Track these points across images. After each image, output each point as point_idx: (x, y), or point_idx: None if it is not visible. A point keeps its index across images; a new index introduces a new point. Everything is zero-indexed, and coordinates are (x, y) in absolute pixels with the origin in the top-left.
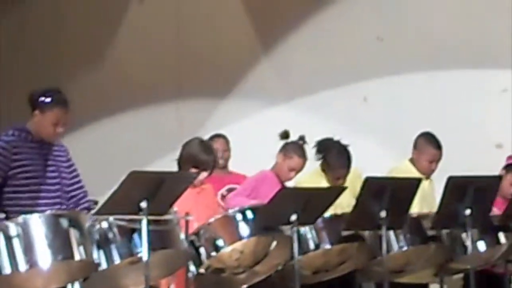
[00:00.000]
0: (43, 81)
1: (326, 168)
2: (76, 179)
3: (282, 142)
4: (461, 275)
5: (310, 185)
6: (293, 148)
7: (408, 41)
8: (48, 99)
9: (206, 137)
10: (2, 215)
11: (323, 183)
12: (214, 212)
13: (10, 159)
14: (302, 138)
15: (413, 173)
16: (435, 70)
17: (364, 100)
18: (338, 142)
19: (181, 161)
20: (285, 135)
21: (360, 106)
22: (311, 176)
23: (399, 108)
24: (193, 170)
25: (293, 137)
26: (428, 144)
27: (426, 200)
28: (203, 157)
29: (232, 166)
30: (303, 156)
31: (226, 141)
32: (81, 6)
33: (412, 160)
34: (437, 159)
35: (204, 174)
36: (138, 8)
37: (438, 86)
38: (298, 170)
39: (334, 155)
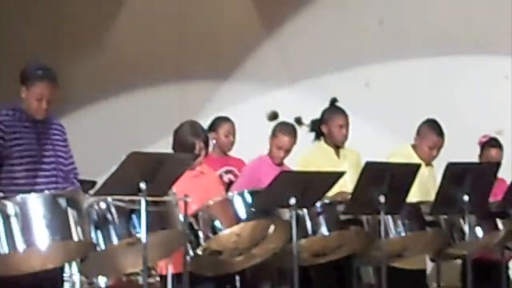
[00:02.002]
0: (44, 64)
1: (326, 135)
2: (71, 159)
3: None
4: (459, 261)
5: (320, 160)
6: (279, 127)
7: (410, 26)
8: (32, 74)
9: (208, 119)
10: (0, 194)
11: (331, 153)
12: (212, 196)
13: (4, 139)
14: (298, 119)
15: (414, 158)
16: (436, 56)
17: (365, 86)
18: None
19: (174, 146)
20: (273, 116)
21: (361, 91)
22: (315, 151)
23: (400, 94)
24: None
25: (291, 119)
26: (431, 131)
27: (424, 187)
28: (190, 140)
29: (233, 148)
30: (288, 134)
31: (232, 125)
32: None
33: (414, 146)
34: (438, 146)
35: (198, 158)
36: None
37: (440, 72)
38: (285, 148)
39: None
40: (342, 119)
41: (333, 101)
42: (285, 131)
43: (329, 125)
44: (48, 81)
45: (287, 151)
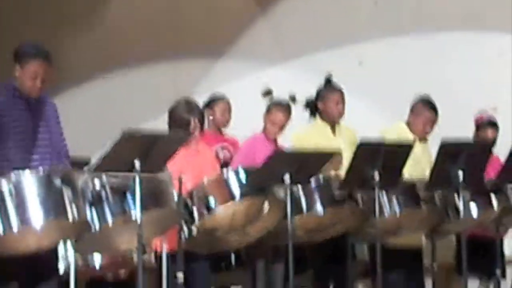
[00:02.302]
0: (38, 41)
1: (321, 112)
2: (63, 137)
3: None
4: (453, 238)
5: (316, 137)
6: (273, 103)
7: (404, 4)
8: (27, 52)
9: (202, 97)
10: None
11: (327, 130)
12: (208, 174)
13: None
14: (292, 97)
15: (408, 135)
16: (430, 33)
17: (359, 63)
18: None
19: (169, 124)
20: (267, 92)
21: (355, 69)
22: (311, 128)
23: (393, 71)
24: None
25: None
26: (424, 107)
27: (418, 164)
28: (185, 116)
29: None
30: (282, 110)
31: (228, 102)
32: None
33: (408, 123)
34: (432, 122)
35: (193, 135)
36: None
37: (434, 50)
38: (280, 124)
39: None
40: (338, 95)
41: (329, 78)
42: (280, 107)
43: (325, 102)
44: (42, 59)
45: (282, 127)
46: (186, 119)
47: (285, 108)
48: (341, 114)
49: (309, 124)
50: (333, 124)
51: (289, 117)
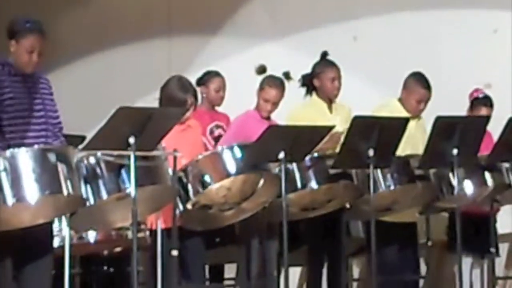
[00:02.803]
0: (32, 17)
1: (318, 89)
2: (58, 114)
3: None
4: (446, 214)
5: (313, 114)
6: (266, 80)
7: None
8: (22, 27)
9: (196, 74)
10: None
11: (324, 107)
12: (200, 149)
13: None
14: (286, 74)
15: (401, 112)
16: (425, 9)
17: (353, 39)
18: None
19: (161, 102)
20: (261, 69)
21: (349, 45)
22: (307, 106)
23: (388, 47)
24: None
25: (279, 74)
26: (417, 84)
27: (412, 141)
28: (180, 96)
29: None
30: (275, 87)
31: (223, 80)
32: None
33: (400, 100)
34: (425, 99)
35: (188, 112)
36: None
37: (428, 26)
38: (273, 101)
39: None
40: (334, 71)
41: (324, 55)
42: (273, 84)
43: (321, 78)
44: (38, 33)
45: (274, 104)
46: (182, 98)
47: (278, 84)
48: (337, 90)
49: (305, 101)
50: (329, 101)
51: (283, 94)
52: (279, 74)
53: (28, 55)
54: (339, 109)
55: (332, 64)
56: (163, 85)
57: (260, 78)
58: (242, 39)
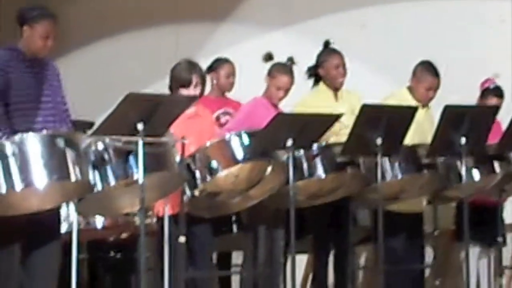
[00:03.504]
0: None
1: (324, 78)
2: (65, 100)
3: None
4: (453, 204)
5: (316, 101)
6: (276, 67)
7: None
8: (36, 13)
9: (204, 61)
10: None
11: (330, 96)
12: (209, 137)
13: (6, 78)
14: (290, 59)
15: (410, 101)
16: None
17: (361, 27)
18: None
19: (170, 85)
20: (268, 57)
21: (358, 33)
22: (314, 94)
23: (396, 36)
24: (182, 91)
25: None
26: (426, 72)
27: (420, 129)
28: (185, 75)
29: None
30: (286, 73)
31: (233, 66)
32: None
33: (410, 88)
34: (434, 87)
35: (194, 92)
36: None
37: (436, 15)
38: (285, 88)
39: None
40: (337, 58)
41: (327, 43)
42: (284, 70)
43: (326, 67)
44: (52, 18)
45: (287, 91)
46: (188, 78)
47: (288, 71)
48: (343, 77)
49: (312, 90)
50: (336, 89)
51: (293, 81)
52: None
53: (43, 40)
54: (346, 97)
55: (335, 52)
56: (172, 67)
57: (267, 65)
58: (249, 26)
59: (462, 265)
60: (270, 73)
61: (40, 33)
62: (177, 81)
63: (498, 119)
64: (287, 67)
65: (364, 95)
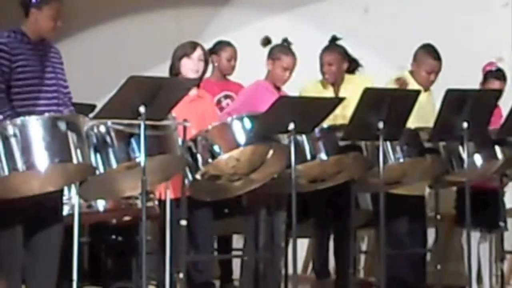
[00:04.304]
0: None
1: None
2: (67, 83)
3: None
4: (454, 188)
5: (313, 91)
6: (278, 49)
7: None
8: None
9: (206, 44)
10: (0, 116)
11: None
12: (211, 120)
13: (10, 60)
14: (285, 40)
15: (412, 84)
16: None
17: (364, 11)
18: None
19: (172, 63)
20: (266, 41)
21: (360, 17)
22: (313, 84)
23: (399, 19)
24: (184, 62)
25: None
26: (427, 55)
27: (422, 113)
28: (189, 46)
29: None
30: (290, 53)
31: (234, 49)
32: None
33: (411, 72)
34: (436, 70)
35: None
36: None
37: None
38: (291, 68)
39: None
40: (333, 56)
41: (334, 38)
42: (287, 51)
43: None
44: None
45: (292, 71)
46: (190, 48)
47: (291, 51)
48: (333, 75)
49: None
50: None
51: (296, 60)
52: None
53: (53, 21)
54: (350, 85)
55: (329, 49)
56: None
57: (266, 49)
58: (252, 10)
59: (463, 249)
60: (273, 56)
61: (51, 15)
62: (180, 52)
63: (499, 104)
64: (288, 48)
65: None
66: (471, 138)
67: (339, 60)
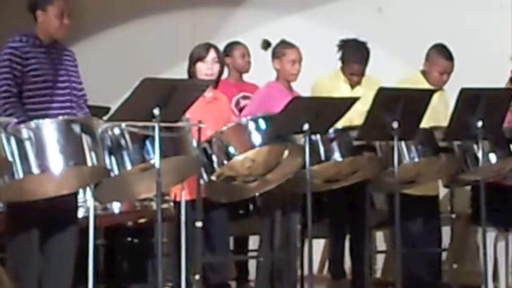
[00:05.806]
0: None
1: (342, 64)
2: (82, 86)
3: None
4: (469, 187)
5: (329, 85)
6: (280, 46)
7: None
8: None
9: (220, 45)
10: (14, 120)
11: (341, 83)
12: (226, 122)
13: (22, 64)
14: (283, 41)
15: (423, 84)
16: None
17: (378, 11)
18: (355, 40)
19: (189, 67)
20: (266, 44)
21: (374, 16)
22: (330, 76)
23: (413, 18)
24: (199, 66)
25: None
26: (440, 56)
27: (434, 113)
28: (203, 48)
29: (244, 74)
30: (293, 46)
31: (246, 48)
32: None
33: (423, 72)
34: (448, 70)
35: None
36: None
37: None
38: (298, 60)
39: (350, 50)
40: (356, 66)
41: (355, 39)
42: (290, 45)
43: (346, 65)
44: None
45: (300, 63)
46: (204, 50)
47: (293, 44)
48: (356, 77)
49: (329, 71)
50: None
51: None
52: (303, 46)
53: (59, 20)
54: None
55: (357, 61)
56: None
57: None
58: (265, 11)
59: (479, 248)
60: (277, 54)
61: (55, 13)
62: (194, 56)
63: None
64: (289, 42)
65: (380, 78)
66: (486, 136)
67: (365, 61)
